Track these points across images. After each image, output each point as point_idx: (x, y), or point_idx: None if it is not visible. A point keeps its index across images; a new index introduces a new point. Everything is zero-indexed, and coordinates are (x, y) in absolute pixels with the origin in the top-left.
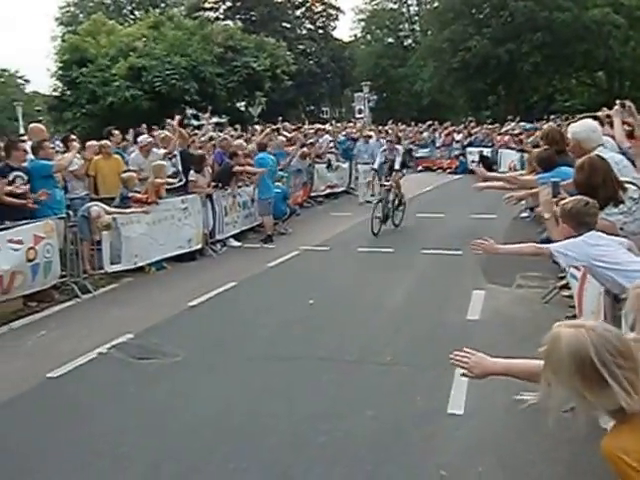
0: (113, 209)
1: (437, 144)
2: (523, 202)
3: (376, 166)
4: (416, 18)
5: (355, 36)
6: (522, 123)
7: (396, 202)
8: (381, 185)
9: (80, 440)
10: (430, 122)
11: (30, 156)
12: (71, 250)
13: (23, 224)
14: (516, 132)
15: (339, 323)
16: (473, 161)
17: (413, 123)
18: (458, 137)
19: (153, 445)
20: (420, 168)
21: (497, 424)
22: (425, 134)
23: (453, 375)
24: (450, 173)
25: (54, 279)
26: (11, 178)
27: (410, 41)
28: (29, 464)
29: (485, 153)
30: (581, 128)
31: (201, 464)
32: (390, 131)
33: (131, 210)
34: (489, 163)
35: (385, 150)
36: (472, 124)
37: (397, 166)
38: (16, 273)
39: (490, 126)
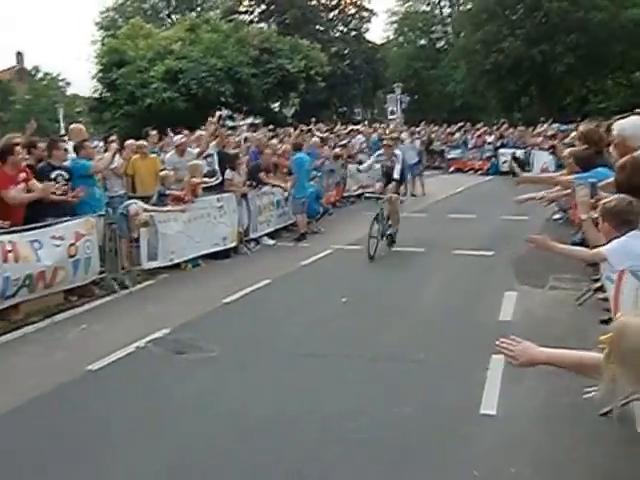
0: (151, 207)
1: (469, 145)
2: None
3: (362, 168)
4: (449, 20)
5: (388, 38)
6: (555, 124)
7: (390, 221)
8: (377, 198)
9: (118, 431)
10: (461, 123)
11: (72, 155)
12: (110, 247)
13: (64, 221)
14: (549, 134)
15: (371, 321)
16: (505, 162)
17: (445, 124)
18: (490, 139)
19: (187, 436)
20: (451, 169)
21: (531, 425)
22: (457, 135)
23: (486, 376)
24: (481, 174)
25: (94, 275)
26: (53, 176)
27: (443, 43)
28: (66, 454)
29: (517, 154)
30: (629, 125)
31: (230, 457)
32: (422, 132)
33: (168, 208)
34: (521, 165)
35: (381, 154)
36: (504, 125)
37: (396, 175)
38: (58, 268)
39: (523, 128)
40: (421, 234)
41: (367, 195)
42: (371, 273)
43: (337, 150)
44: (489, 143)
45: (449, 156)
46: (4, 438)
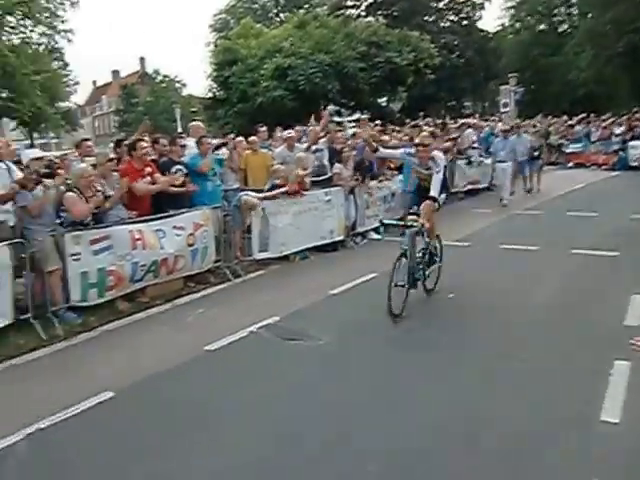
0: (262, 194)
1: (592, 138)
2: None
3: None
4: (573, 0)
5: (502, 25)
6: None
7: (427, 254)
8: (403, 226)
9: (232, 408)
10: (584, 114)
11: (194, 151)
12: (224, 238)
13: (184, 212)
14: None
15: (481, 318)
16: (638, 158)
17: (565, 117)
18: (618, 130)
19: (298, 416)
20: (570, 164)
21: None
22: (577, 128)
23: (608, 381)
24: (606, 170)
25: (209, 263)
26: (173, 170)
27: (566, 27)
28: (183, 425)
29: None
30: None
31: (342, 435)
32: (538, 124)
33: (278, 191)
34: None
35: (411, 155)
36: (637, 115)
37: (434, 192)
38: (179, 256)
39: None
40: (535, 231)
41: (386, 221)
42: (480, 270)
43: (445, 144)
44: (617, 135)
45: (568, 150)
46: (130, 407)
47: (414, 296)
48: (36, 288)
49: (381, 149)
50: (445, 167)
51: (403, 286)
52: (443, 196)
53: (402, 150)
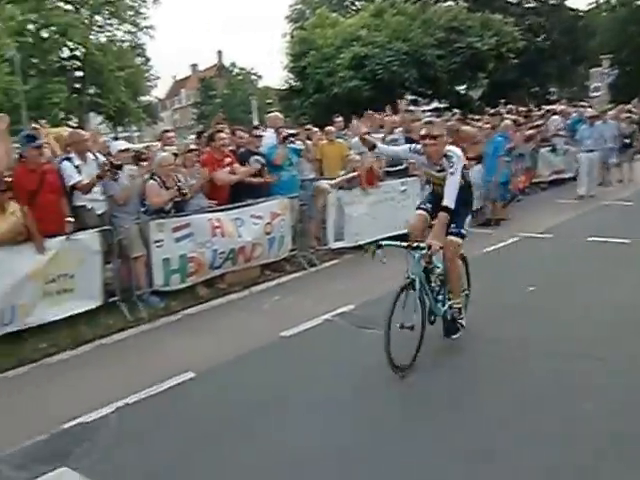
0: (334, 181)
1: None
2: None
3: (381, 149)
4: None
5: (596, 2)
6: None
7: (448, 286)
8: (408, 247)
9: (309, 391)
10: None
11: (271, 141)
12: (300, 227)
13: (262, 201)
14: None
15: (560, 313)
16: None
17: None
18: None
19: (373, 402)
20: None
21: None
22: None
23: None
24: None
25: (285, 252)
26: (251, 161)
27: None
28: (266, 405)
29: None
30: None
31: (419, 423)
32: (635, 109)
33: (349, 175)
34: None
35: (417, 152)
36: None
37: (447, 200)
38: (256, 245)
39: None
40: (625, 224)
41: (384, 243)
42: (563, 263)
43: (528, 132)
44: None
45: None
46: (209, 388)
47: (490, 287)
48: (123, 273)
49: (380, 145)
50: (465, 168)
51: (412, 328)
52: (468, 220)
53: (406, 146)
